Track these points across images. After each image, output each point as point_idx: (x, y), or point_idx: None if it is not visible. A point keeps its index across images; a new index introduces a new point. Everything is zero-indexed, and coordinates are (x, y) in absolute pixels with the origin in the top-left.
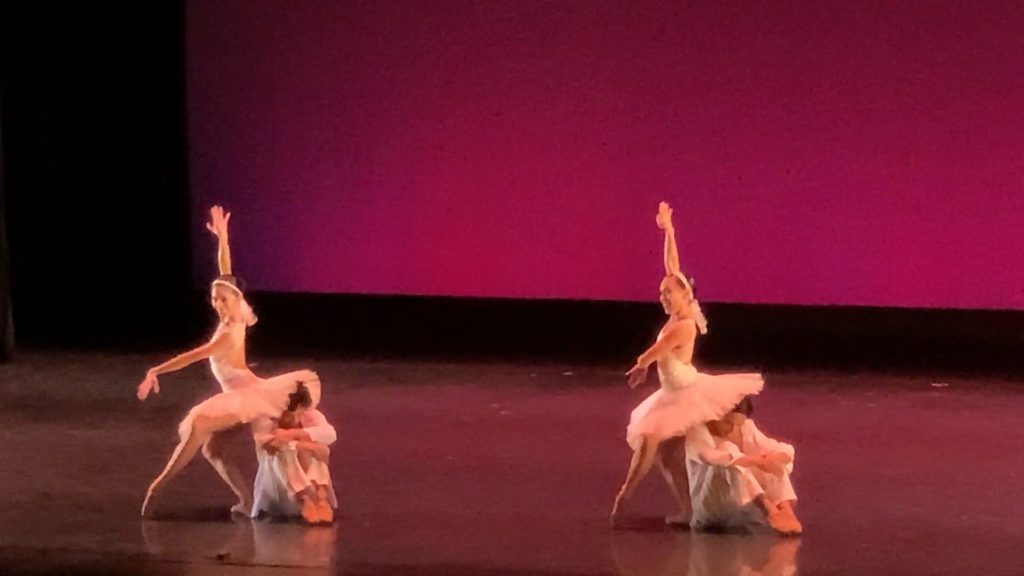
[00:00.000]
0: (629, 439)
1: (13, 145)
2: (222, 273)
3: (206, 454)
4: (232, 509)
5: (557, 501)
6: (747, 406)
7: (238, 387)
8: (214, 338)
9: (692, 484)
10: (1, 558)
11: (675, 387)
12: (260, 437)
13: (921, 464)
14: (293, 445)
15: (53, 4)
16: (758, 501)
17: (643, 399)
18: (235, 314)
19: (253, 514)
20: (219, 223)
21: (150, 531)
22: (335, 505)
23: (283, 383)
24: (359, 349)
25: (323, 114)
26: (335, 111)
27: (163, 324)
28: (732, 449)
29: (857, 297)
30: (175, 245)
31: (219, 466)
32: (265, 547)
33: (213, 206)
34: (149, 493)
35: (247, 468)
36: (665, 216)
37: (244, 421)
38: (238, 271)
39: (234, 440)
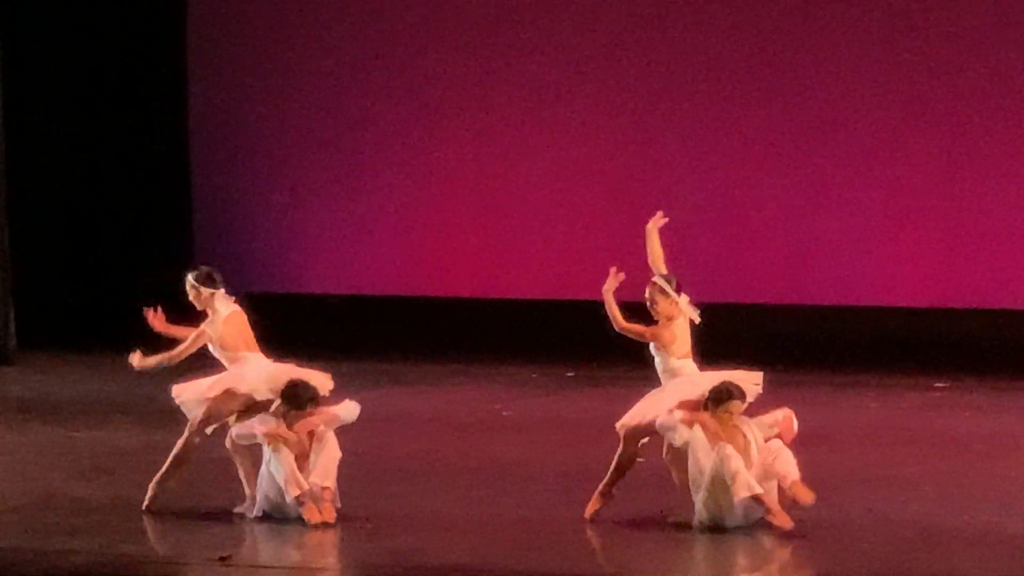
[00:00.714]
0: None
1: (14, 145)
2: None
3: (228, 447)
4: (235, 510)
5: (560, 502)
6: (739, 392)
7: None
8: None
9: (692, 485)
10: (3, 560)
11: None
12: (262, 429)
13: (922, 464)
14: (285, 451)
15: (54, 4)
16: (757, 500)
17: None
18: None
19: (255, 515)
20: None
21: (152, 533)
22: (339, 506)
23: (284, 368)
24: (361, 350)
25: (325, 114)
26: (337, 111)
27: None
28: (728, 449)
29: (857, 297)
30: (177, 246)
31: (239, 460)
32: (267, 548)
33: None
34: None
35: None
36: (655, 223)
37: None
38: (238, 272)
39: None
